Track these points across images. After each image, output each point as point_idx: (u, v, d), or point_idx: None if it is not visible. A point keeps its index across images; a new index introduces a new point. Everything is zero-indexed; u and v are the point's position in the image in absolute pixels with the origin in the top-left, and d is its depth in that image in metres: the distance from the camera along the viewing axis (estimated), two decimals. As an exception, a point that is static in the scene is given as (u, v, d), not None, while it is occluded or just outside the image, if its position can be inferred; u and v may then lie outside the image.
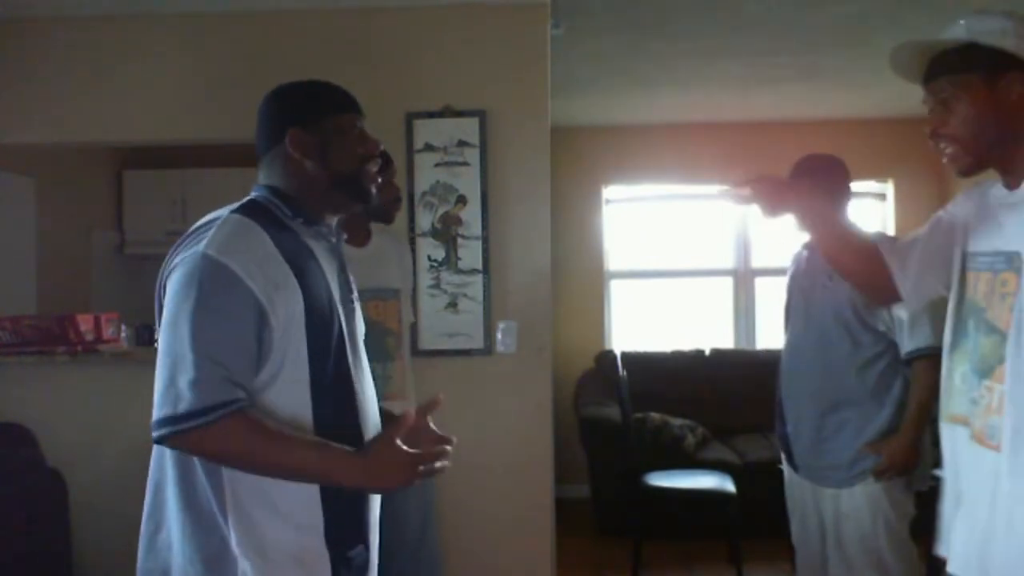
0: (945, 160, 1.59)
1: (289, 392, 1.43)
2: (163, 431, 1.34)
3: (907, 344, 2.46)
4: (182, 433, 1.33)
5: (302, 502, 1.44)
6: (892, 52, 1.60)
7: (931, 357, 2.39)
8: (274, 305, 1.39)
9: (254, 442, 1.36)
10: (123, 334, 3.72)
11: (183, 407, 1.32)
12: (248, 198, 1.54)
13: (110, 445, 3.38)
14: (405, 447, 1.44)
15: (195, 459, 1.40)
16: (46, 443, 3.25)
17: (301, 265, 1.46)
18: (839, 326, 2.51)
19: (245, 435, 1.35)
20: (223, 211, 1.50)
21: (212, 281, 1.37)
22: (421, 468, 1.44)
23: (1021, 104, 1.50)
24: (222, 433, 1.34)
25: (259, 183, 1.58)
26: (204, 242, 1.40)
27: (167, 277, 1.45)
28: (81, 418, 3.42)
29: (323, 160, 1.53)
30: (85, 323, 3.51)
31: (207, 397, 1.32)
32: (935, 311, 2.45)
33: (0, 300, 4.17)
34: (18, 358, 3.41)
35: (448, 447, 1.49)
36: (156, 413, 1.35)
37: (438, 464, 1.46)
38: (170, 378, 1.34)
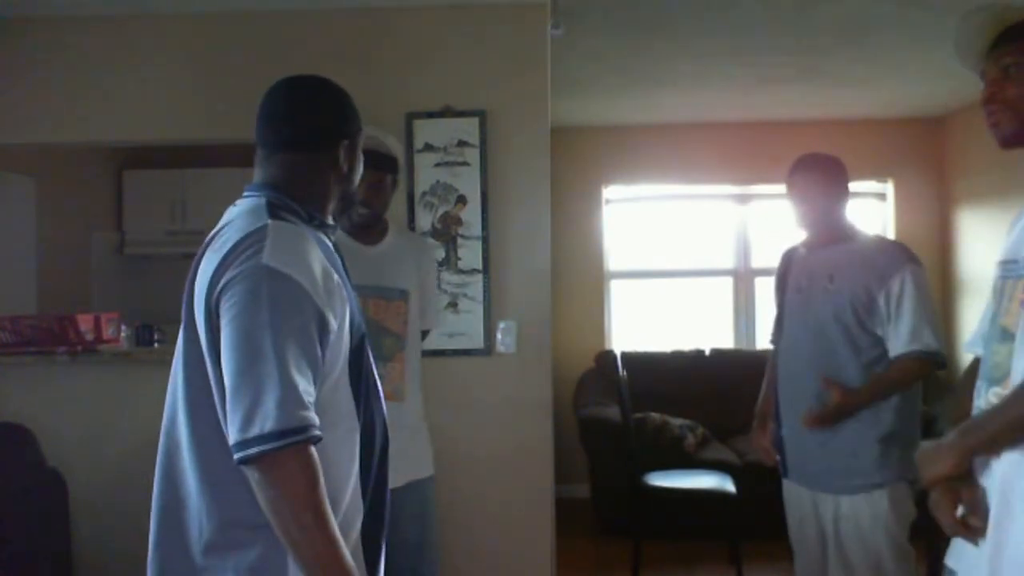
0: (988, 126, 1.53)
1: (333, 394, 1.44)
2: (252, 451, 1.28)
3: (897, 348, 2.42)
4: (268, 453, 1.28)
5: (351, 496, 1.45)
6: (962, 19, 1.54)
7: (919, 360, 2.40)
8: (332, 313, 1.40)
9: (310, 481, 1.30)
10: (123, 334, 3.72)
11: (269, 426, 1.28)
12: (265, 199, 1.47)
13: (110, 445, 3.39)
14: None
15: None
16: (46, 443, 3.25)
17: (337, 269, 1.48)
18: (839, 329, 2.47)
19: (307, 470, 1.30)
20: (241, 213, 1.46)
21: (283, 295, 1.34)
22: None
23: None
24: (292, 459, 1.29)
25: (264, 182, 1.51)
26: (264, 253, 1.36)
27: (221, 289, 1.37)
28: (81, 418, 3.42)
29: (350, 175, 1.58)
30: (85, 323, 3.51)
31: (291, 418, 1.29)
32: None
33: (0, 300, 4.18)
34: (18, 358, 3.41)
35: None
36: (246, 432, 1.28)
37: None
38: (256, 396, 1.29)
